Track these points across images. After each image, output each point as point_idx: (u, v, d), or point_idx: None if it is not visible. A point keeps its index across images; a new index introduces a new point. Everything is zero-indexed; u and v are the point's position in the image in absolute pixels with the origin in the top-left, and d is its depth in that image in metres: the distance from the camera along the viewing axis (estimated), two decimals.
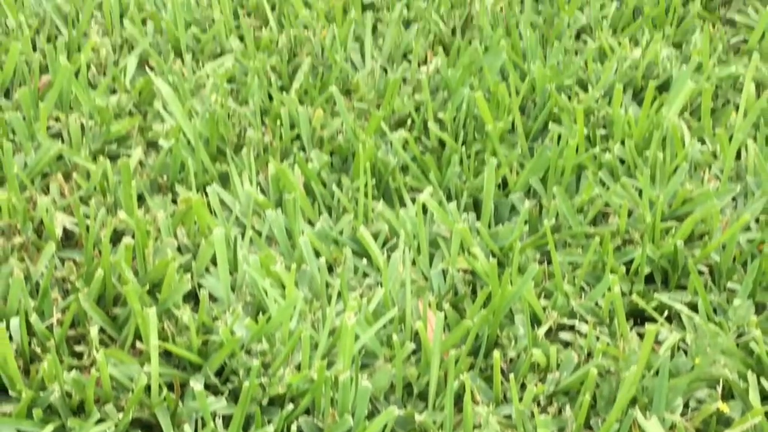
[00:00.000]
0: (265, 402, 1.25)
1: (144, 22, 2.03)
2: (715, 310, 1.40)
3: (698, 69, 1.87)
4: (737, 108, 1.77)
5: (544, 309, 1.39)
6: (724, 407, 1.24)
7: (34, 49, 1.94)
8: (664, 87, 1.85)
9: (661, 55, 1.90)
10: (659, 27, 2.04)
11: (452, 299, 1.42)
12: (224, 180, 1.63)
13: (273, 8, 2.11)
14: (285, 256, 1.48)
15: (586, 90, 1.86)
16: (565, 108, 1.75)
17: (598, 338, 1.35)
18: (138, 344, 1.32)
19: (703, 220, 1.53)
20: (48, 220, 1.49)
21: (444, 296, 1.42)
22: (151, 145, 1.73)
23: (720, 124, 1.76)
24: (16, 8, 2.00)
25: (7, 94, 1.82)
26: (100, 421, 1.22)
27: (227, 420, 1.22)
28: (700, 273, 1.47)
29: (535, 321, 1.38)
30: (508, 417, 1.26)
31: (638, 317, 1.41)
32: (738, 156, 1.67)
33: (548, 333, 1.38)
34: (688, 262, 1.43)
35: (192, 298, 1.41)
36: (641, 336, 1.34)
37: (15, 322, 1.31)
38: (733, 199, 1.60)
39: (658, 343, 1.33)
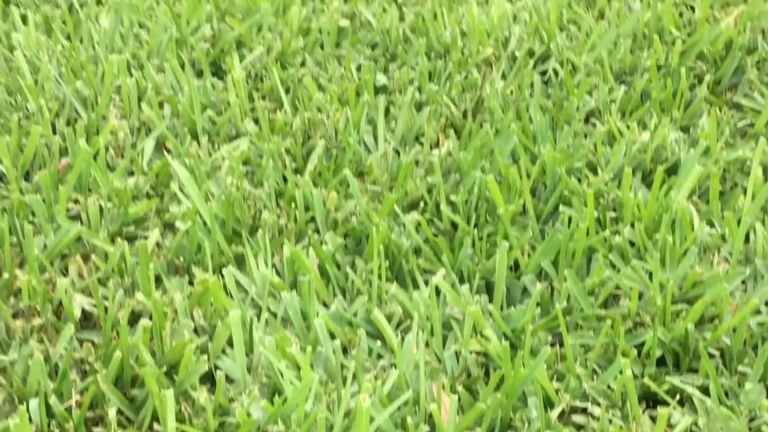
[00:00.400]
0: None
1: (161, 105, 2.07)
2: (726, 394, 1.41)
3: (706, 152, 1.90)
4: (745, 191, 1.79)
5: (557, 391, 1.41)
6: None
7: (54, 132, 1.98)
8: (672, 170, 1.87)
9: (669, 138, 1.94)
10: (667, 111, 2.07)
11: (465, 381, 1.43)
12: (240, 262, 1.66)
13: (287, 91, 2.15)
14: (300, 337, 1.50)
15: (595, 173, 1.89)
16: (575, 191, 1.78)
17: (611, 421, 1.36)
18: (156, 426, 1.33)
19: (713, 303, 1.54)
20: (67, 301, 1.52)
21: (457, 378, 1.44)
22: (168, 227, 1.75)
23: (728, 207, 1.78)
24: (36, 92, 2.04)
25: (27, 177, 1.86)
26: None
27: None
28: (711, 356, 1.48)
29: (548, 403, 1.39)
30: None
31: (650, 400, 1.42)
32: (747, 239, 1.69)
33: (561, 416, 1.39)
34: (699, 345, 1.44)
35: (208, 379, 1.43)
36: (654, 419, 1.35)
37: (34, 403, 1.33)
38: (743, 282, 1.62)
39: (670, 426, 1.34)
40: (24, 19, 2.38)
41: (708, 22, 2.39)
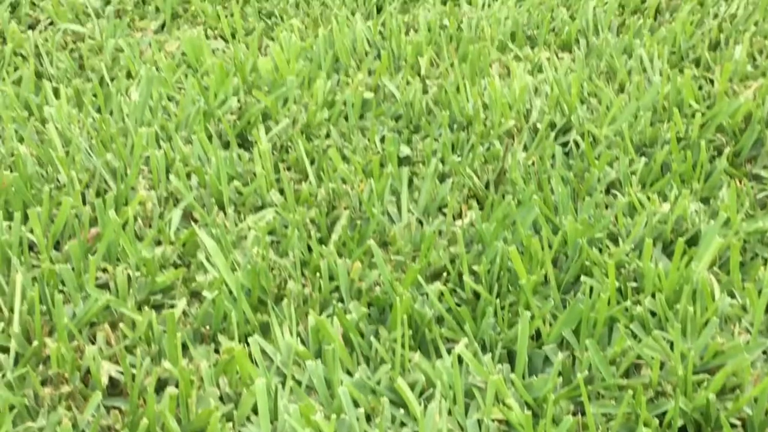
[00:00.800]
0: None
1: (189, 176, 2.11)
2: None
3: (726, 224, 1.92)
4: (765, 262, 1.81)
5: None
6: None
7: (84, 202, 2.02)
8: (692, 241, 1.89)
9: (689, 209, 1.96)
10: (687, 182, 2.10)
11: None
12: (265, 330, 1.68)
13: (312, 162, 2.18)
14: (324, 405, 1.52)
15: (616, 243, 1.91)
16: (596, 261, 1.80)
17: None
18: None
19: (734, 374, 1.55)
20: (95, 369, 1.54)
21: None
22: (195, 296, 1.78)
23: (749, 278, 1.80)
24: (67, 164, 2.08)
25: (58, 246, 1.89)
26: None
27: None
28: (733, 426, 1.49)
29: None
30: None
31: None
32: (767, 310, 1.71)
33: None
34: (721, 416, 1.45)
35: None
36: None
37: None
38: (764, 352, 1.63)
39: None
40: (56, 93, 2.44)
41: (727, 95, 2.42)
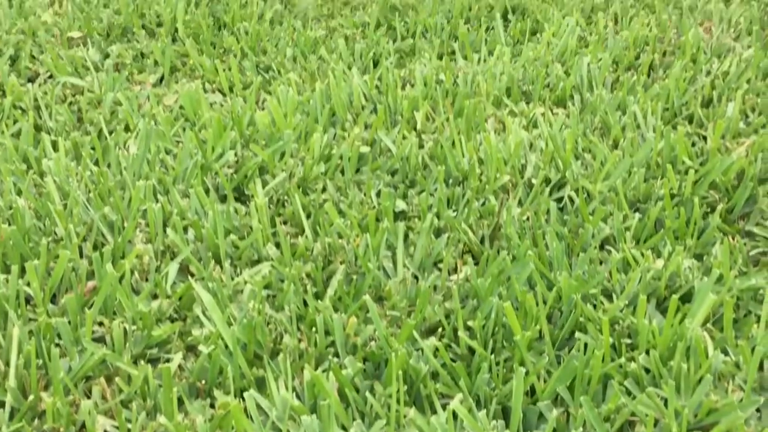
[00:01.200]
0: None
1: (186, 229, 2.12)
2: None
3: (719, 280, 1.93)
4: (758, 319, 1.82)
5: None
6: None
7: (81, 255, 2.03)
8: (686, 298, 1.90)
9: (682, 266, 1.97)
10: (680, 239, 2.11)
11: None
12: (261, 385, 1.69)
13: (308, 216, 2.20)
14: None
15: (610, 299, 1.92)
16: (591, 318, 1.81)
17: None
18: None
19: (728, 431, 1.56)
20: (90, 423, 1.54)
21: None
22: (191, 350, 1.79)
23: (742, 335, 1.81)
24: (65, 217, 2.10)
25: (54, 299, 1.90)
26: None
27: None
28: None
29: None
30: None
31: None
32: (761, 367, 1.72)
33: None
34: None
35: None
36: None
37: None
38: (758, 410, 1.64)
39: None
40: (55, 146, 2.46)
41: (720, 152, 2.45)
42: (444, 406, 1.63)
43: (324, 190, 2.32)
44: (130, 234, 2.07)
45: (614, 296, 1.92)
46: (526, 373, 1.66)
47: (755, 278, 1.94)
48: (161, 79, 3.01)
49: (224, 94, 2.88)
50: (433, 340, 1.76)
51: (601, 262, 2.04)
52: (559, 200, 2.28)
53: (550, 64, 3.05)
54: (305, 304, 1.89)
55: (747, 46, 3.24)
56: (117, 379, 1.67)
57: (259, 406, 1.62)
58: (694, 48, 3.15)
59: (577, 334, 1.78)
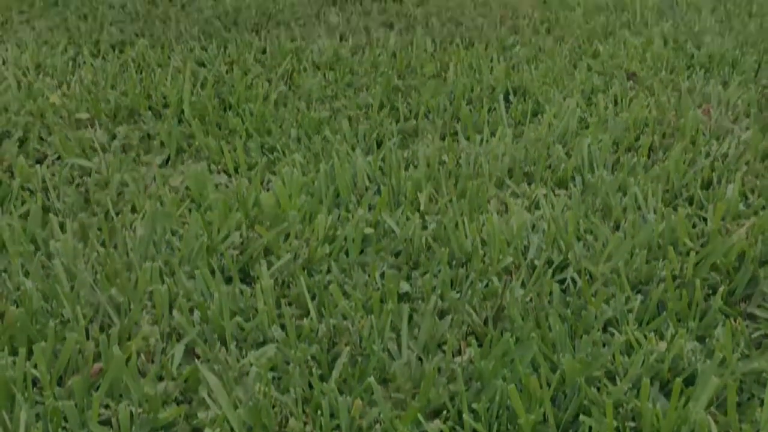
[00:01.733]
0: None
1: (191, 311, 2.14)
2: None
3: (722, 363, 1.94)
4: (762, 402, 1.83)
5: None
6: None
7: (88, 337, 2.04)
8: (689, 380, 1.91)
9: (685, 348, 1.98)
10: (683, 321, 2.13)
11: None
12: None
13: (313, 298, 2.21)
14: None
15: (614, 382, 1.93)
16: (595, 400, 1.82)
17: None
18: None
19: None
20: None
21: None
22: None
23: (746, 419, 1.82)
24: (72, 299, 2.11)
25: (61, 382, 1.91)
26: None
27: None
28: None
29: None
30: None
31: None
32: None
33: None
34: None
35: None
36: None
37: None
38: None
39: None
40: (62, 227, 2.49)
41: (720, 234, 2.47)
42: None
43: (329, 271, 2.34)
44: (136, 316, 2.09)
45: (617, 379, 1.93)
46: None
47: (758, 361, 1.95)
48: (167, 160, 3.05)
49: (229, 175, 2.92)
50: (437, 423, 1.77)
51: (604, 345, 2.05)
52: (562, 282, 2.30)
53: (551, 145, 3.09)
54: (310, 386, 1.90)
55: (745, 128, 3.28)
56: None
57: None
58: (693, 130, 3.19)
59: (582, 417, 1.78)
